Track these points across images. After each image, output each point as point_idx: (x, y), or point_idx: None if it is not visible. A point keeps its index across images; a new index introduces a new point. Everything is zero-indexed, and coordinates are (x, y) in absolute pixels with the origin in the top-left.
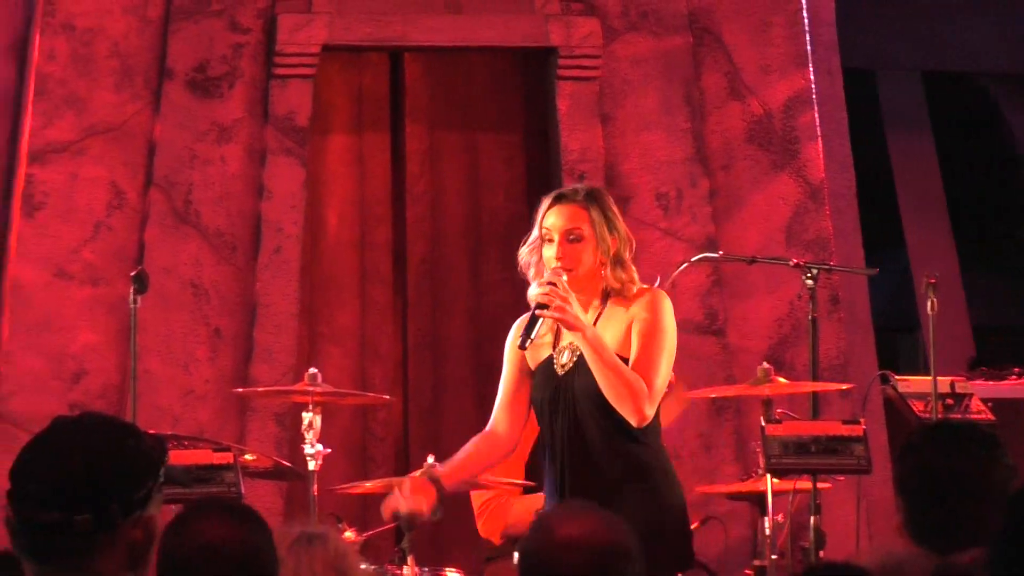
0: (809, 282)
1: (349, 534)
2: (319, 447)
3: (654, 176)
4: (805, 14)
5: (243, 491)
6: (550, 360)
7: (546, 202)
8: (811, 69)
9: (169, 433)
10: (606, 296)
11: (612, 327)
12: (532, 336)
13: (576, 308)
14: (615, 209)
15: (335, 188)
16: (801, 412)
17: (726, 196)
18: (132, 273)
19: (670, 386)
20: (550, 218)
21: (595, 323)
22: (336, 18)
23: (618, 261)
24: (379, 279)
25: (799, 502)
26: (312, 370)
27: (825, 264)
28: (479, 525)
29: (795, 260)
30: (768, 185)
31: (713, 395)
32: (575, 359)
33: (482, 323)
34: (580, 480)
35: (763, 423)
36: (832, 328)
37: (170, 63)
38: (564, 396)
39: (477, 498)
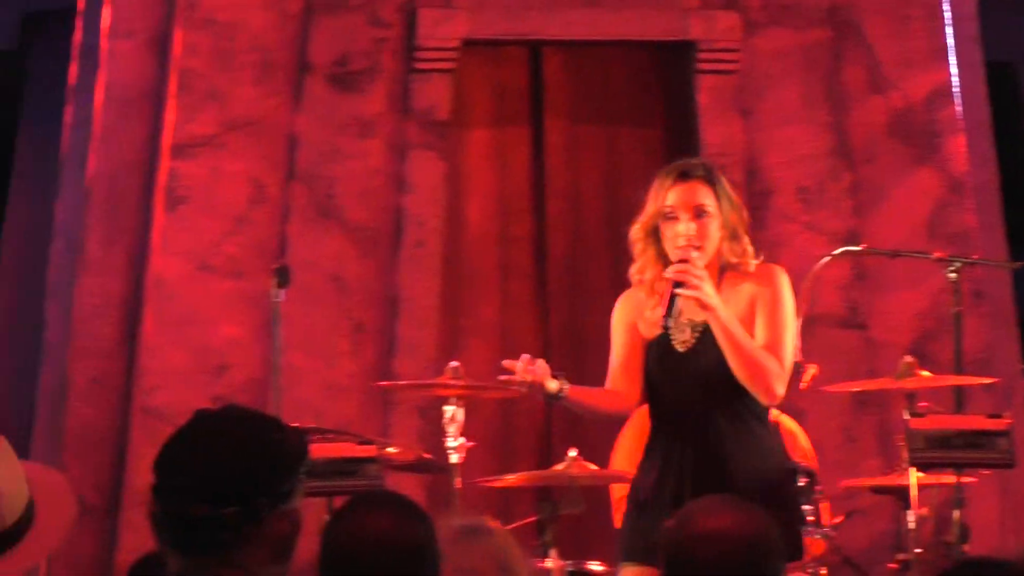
0: (952, 276)
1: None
2: (461, 440)
3: (795, 170)
4: (946, 7)
5: (386, 484)
6: (666, 336)
7: (668, 179)
8: (952, 62)
9: (313, 426)
10: (722, 271)
11: (734, 304)
12: (673, 315)
13: (709, 286)
14: (728, 183)
15: (476, 182)
16: (944, 406)
17: (868, 190)
18: (274, 267)
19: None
20: (674, 195)
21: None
22: (476, 12)
23: (735, 235)
24: (520, 273)
25: (943, 496)
26: (454, 363)
27: (968, 258)
28: (618, 517)
29: (938, 254)
30: (910, 179)
31: (856, 389)
32: (697, 336)
33: None
34: (703, 459)
35: (907, 417)
36: (975, 322)
37: (310, 57)
38: (686, 373)
39: (617, 491)
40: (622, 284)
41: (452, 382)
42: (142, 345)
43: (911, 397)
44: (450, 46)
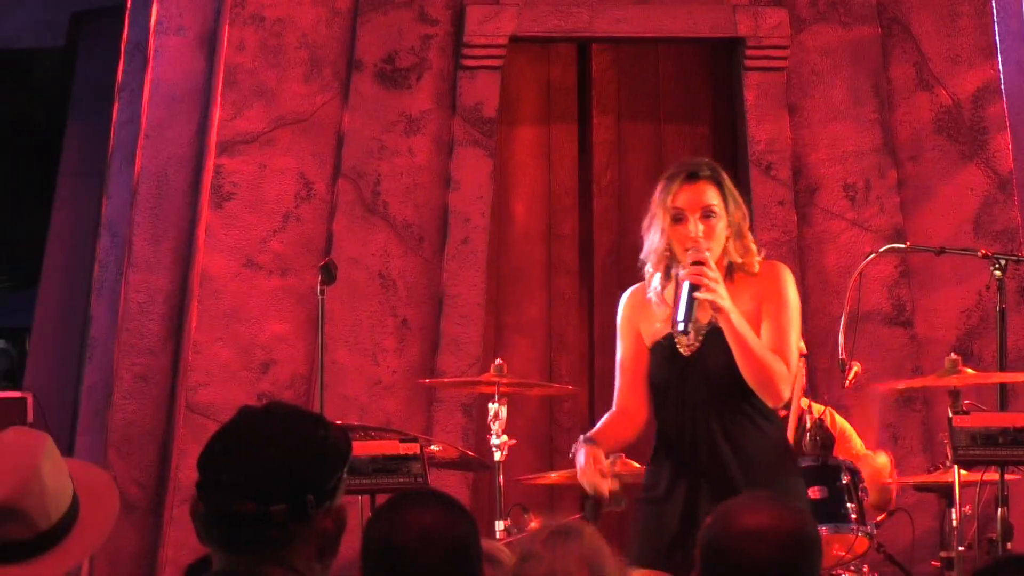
0: (997, 273)
1: (534, 525)
2: (505, 438)
3: (842, 167)
4: (994, 4)
5: (429, 481)
6: (670, 339)
7: (676, 181)
8: (999, 59)
9: (356, 423)
10: (729, 271)
11: (741, 304)
12: (692, 319)
13: (723, 288)
14: (730, 182)
15: (522, 179)
16: (989, 403)
17: (914, 187)
18: (320, 264)
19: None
20: (683, 197)
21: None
22: (524, 9)
23: (740, 235)
24: (566, 270)
25: (986, 494)
26: (498, 361)
27: (1014, 255)
28: None
29: (983, 251)
30: (956, 176)
31: (901, 386)
32: (702, 338)
33: None
34: (712, 461)
35: (951, 414)
36: (1020, 319)
37: (359, 54)
38: (692, 377)
39: None
40: None
41: (496, 379)
42: (188, 342)
43: (955, 395)
44: (498, 43)
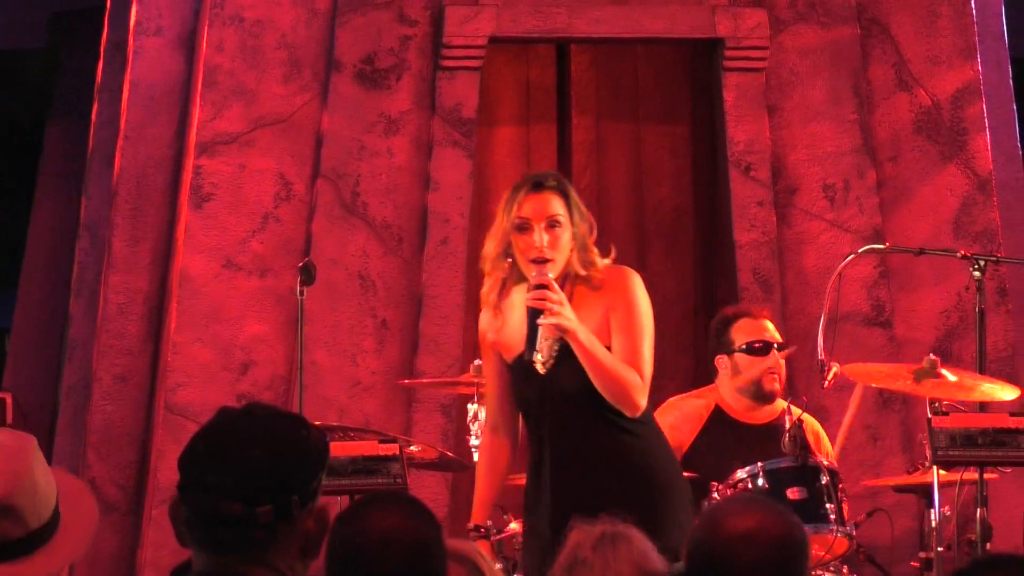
0: (976, 274)
1: (514, 525)
2: None
3: (821, 167)
4: (973, 5)
5: (408, 482)
6: (523, 361)
7: (522, 190)
8: (979, 60)
9: (336, 424)
10: (573, 281)
11: (588, 317)
12: (536, 347)
13: (568, 309)
14: (576, 194)
15: (502, 180)
16: (968, 404)
17: (893, 188)
18: (299, 264)
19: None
20: (528, 206)
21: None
22: (503, 10)
23: (584, 247)
24: None
25: (965, 495)
26: (478, 361)
27: (993, 256)
28: None
29: (963, 252)
30: (936, 177)
31: (877, 386)
32: (554, 355)
33: None
34: (573, 477)
35: (930, 415)
36: (1000, 320)
37: (338, 55)
38: (551, 394)
39: None
40: (647, 282)
41: (476, 380)
42: (167, 343)
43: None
44: (477, 44)
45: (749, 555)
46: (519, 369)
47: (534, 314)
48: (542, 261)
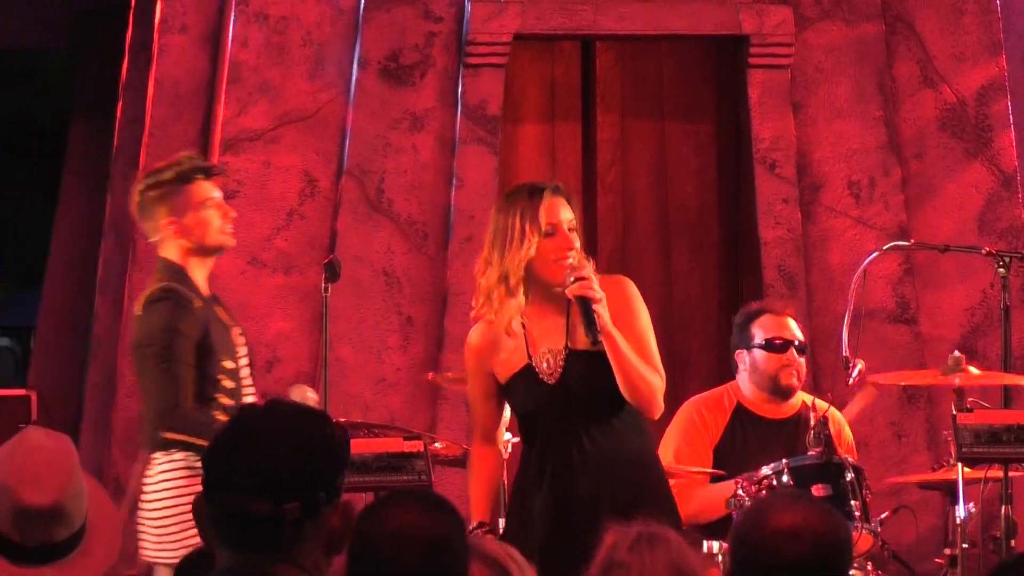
0: (1001, 271)
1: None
2: (509, 435)
3: (846, 164)
4: (998, 1)
5: (433, 479)
6: (529, 369)
7: (536, 198)
8: (1005, 56)
9: (360, 421)
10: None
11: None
12: (597, 328)
13: (604, 308)
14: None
15: (526, 177)
16: (993, 401)
17: (918, 184)
18: (324, 261)
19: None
20: (549, 213)
21: (567, 315)
22: (528, 7)
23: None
24: None
25: (990, 491)
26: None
27: (1018, 253)
28: None
29: (988, 248)
30: (961, 174)
31: (904, 383)
32: (562, 364)
33: (672, 312)
34: (588, 483)
35: (955, 412)
36: None
37: (363, 52)
38: (561, 403)
39: None
40: (671, 280)
41: None
42: None
43: (960, 392)
44: (502, 40)
45: (793, 551)
46: (523, 382)
47: (584, 301)
48: (578, 269)
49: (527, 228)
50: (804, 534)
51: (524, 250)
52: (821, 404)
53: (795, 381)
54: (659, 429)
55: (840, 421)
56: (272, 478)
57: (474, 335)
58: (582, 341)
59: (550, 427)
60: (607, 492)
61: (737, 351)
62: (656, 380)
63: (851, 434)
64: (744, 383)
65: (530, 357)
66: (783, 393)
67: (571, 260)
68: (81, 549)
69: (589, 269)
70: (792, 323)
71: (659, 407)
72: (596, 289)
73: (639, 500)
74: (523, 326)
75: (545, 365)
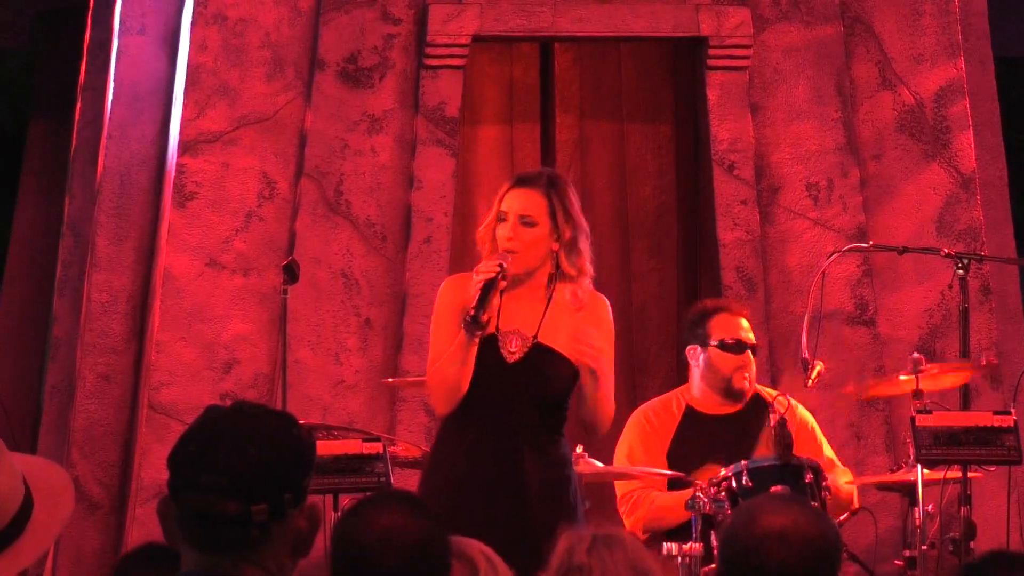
0: (960, 272)
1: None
2: None
3: (804, 166)
4: (957, 3)
5: (393, 481)
6: (492, 340)
7: (507, 184)
8: (963, 58)
9: (319, 423)
10: (552, 281)
11: (563, 324)
12: (483, 308)
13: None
14: (573, 198)
15: (485, 178)
16: (951, 403)
17: (876, 186)
18: (283, 263)
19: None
20: (508, 200)
21: (545, 309)
22: (486, 9)
23: (572, 248)
24: None
25: (949, 493)
26: None
27: (976, 254)
28: (622, 517)
29: (946, 250)
30: (919, 175)
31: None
32: (527, 351)
33: (631, 313)
34: (512, 472)
35: (913, 414)
36: (983, 318)
37: (321, 54)
38: (513, 385)
39: (620, 488)
40: (629, 280)
41: None
42: (150, 341)
43: (918, 394)
44: (460, 42)
45: (781, 554)
46: (483, 348)
47: (488, 283)
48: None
49: (494, 208)
50: (794, 536)
51: (485, 226)
52: (782, 401)
53: (747, 384)
54: (611, 440)
55: (802, 414)
56: (239, 479)
57: (455, 281)
58: (559, 343)
59: (491, 403)
60: (534, 472)
61: (690, 347)
62: (612, 409)
63: (811, 416)
64: (695, 381)
65: (497, 329)
66: (735, 396)
67: (507, 251)
68: (12, 549)
69: (517, 263)
70: (746, 324)
71: (608, 424)
72: (481, 271)
73: (559, 494)
74: (499, 297)
75: (511, 344)
